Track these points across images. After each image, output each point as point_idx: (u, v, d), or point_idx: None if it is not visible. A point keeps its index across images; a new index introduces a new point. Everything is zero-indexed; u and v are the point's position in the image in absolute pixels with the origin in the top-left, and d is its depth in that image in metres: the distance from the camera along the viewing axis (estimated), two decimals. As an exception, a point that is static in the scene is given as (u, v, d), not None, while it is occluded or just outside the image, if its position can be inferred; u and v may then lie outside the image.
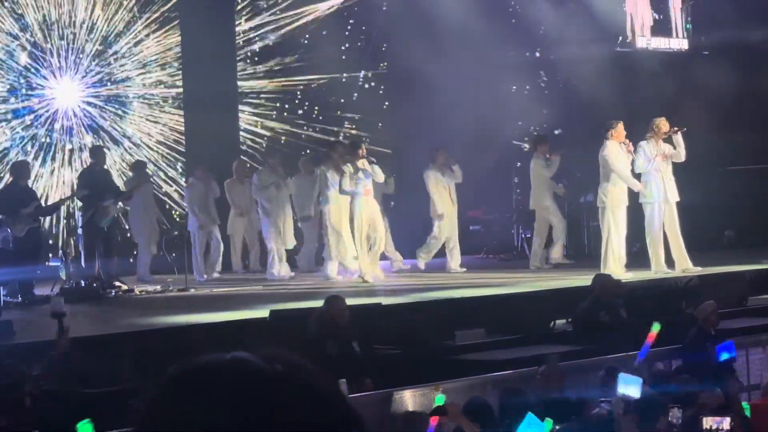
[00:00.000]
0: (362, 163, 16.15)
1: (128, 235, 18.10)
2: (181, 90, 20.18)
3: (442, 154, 17.40)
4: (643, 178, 15.97)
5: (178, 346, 11.01)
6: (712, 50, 21.55)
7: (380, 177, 16.27)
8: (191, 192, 17.99)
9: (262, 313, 12.07)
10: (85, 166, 17.77)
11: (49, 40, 19.43)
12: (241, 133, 20.67)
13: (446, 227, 17.35)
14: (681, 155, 15.97)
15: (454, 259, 17.40)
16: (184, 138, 20.09)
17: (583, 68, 20.63)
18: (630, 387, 7.22)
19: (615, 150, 15.72)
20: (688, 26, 22.23)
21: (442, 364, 11.14)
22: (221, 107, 19.65)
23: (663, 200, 15.90)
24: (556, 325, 12.95)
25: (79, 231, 16.32)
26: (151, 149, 20.21)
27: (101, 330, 11.49)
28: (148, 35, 20.10)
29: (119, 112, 20.05)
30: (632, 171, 15.91)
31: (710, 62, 20.97)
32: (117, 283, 15.82)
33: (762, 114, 20.00)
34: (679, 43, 22.54)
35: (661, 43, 22.40)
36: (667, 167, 15.96)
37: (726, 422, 7.06)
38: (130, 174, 17.98)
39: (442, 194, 17.34)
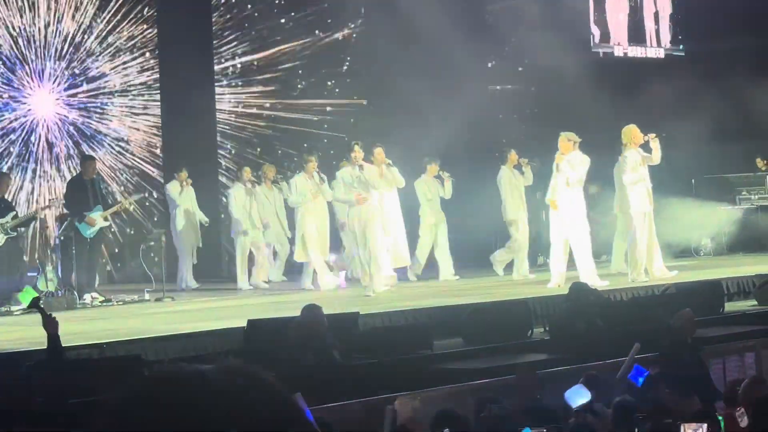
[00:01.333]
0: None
1: (116, 249, 18.02)
2: (158, 76, 20.19)
3: (514, 154, 17.71)
4: (631, 187, 16.06)
5: (149, 356, 11.01)
6: (690, 58, 21.68)
7: (400, 182, 16.46)
8: (234, 195, 17.88)
9: (240, 323, 12.06)
10: (72, 175, 17.74)
11: (16, 50, 19.36)
12: (220, 116, 20.69)
13: (522, 230, 17.58)
14: (656, 158, 16.08)
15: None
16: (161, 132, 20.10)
17: (559, 77, 20.71)
18: (578, 398, 7.23)
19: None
20: (677, 36, 22.38)
21: (419, 373, 11.14)
22: (198, 90, 19.71)
23: (647, 208, 16.04)
24: (534, 334, 12.98)
25: (56, 241, 16.27)
26: (132, 147, 20.17)
27: (74, 340, 11.43)
28: (118, 24, 20.05)
29: (98, 111, 20.01)
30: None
31: (687, 70, 21.09)
32: (95, 294, 15.78)
33: (738, 122, 20.09)
34: (655, 51, 22.68)
35: (637, 52, 22.54)
36: (647, 174, 16.08)
37: (703, 428, 7.09)
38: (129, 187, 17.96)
39: (514, 196, 17.59)
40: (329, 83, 21.87)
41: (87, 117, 19.97)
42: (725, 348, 12.31)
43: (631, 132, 16.13)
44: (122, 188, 20.05)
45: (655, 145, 16.03)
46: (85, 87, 19.90)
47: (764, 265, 17.02)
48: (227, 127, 21.22)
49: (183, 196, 17.57)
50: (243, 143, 21.37)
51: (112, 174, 20.01)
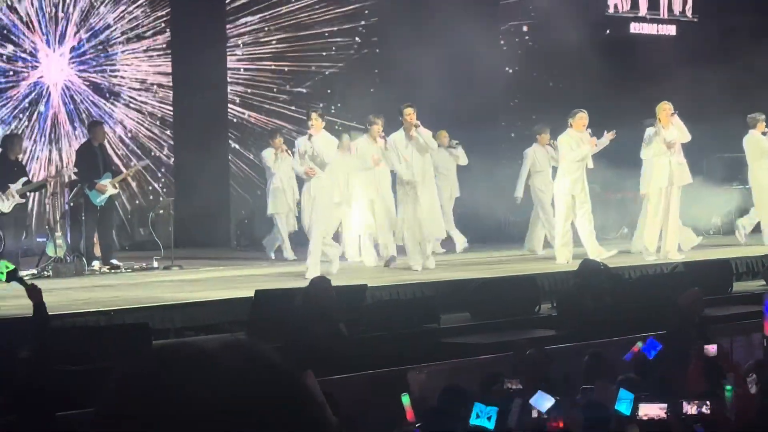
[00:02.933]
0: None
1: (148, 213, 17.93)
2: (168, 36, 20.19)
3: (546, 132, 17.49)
4: (647, 163, 16.07)
5: (156, 324, 11.03)
6: (703, 35, 21.60)
7: (432, 144, 15.32)
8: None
9: (248, 293, 12.07)
10: (82, 142, 17.72)
11: (29, 12, 19.31)
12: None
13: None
14: (683, 138, 16.05)
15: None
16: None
17: (570, 52, 20.65)
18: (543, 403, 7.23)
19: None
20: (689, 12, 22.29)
21: (426, 347, 11.15)
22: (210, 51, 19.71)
23: (667, 185, 16.01)
24: (541, 310, 12.97)
25: (66, 207, 16.28)
26: (143, 113, 20.17)
27: (82, 307, 11.46)
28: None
29: (108, 74, 19.99)
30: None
31: (699, 47, 21.01)
32: (114, 262, 15.82)
33: (752, 101, 19.99)
34: (666, 28, 22.63)
35: (650, 29, 22.49)
36: (675, 151, 16.01)
37: (707, 406, 7.09)
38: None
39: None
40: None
41: (97, 82, 19.94)
42: (733, 327, 12.28)
43: (659, 108, 16.11)
44: (130, 154, 20.03)
45: (677, 122, 16.02)
46: (95, 51, 19.86)
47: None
48: (237, 88, 21.19)
49: (278, 163, 17.30)
50: (254, 109, 21.33)
51: (123, 140, 19.99)
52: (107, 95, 20.01)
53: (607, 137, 15.93)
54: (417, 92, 19.10)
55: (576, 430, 6.76)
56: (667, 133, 15.96)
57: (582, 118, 15.85)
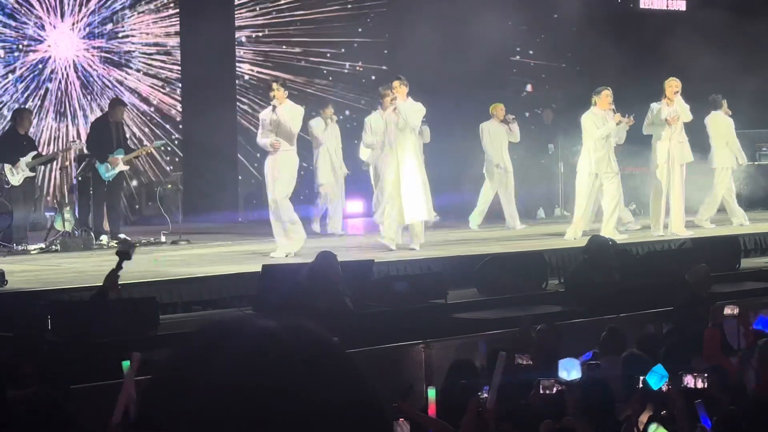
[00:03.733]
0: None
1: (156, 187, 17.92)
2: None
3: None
4: (653, 140, 16.03)
5: (163, 299, 11.04)
6: (710, 12, 21.49)
7: (412, 122, 14.42)
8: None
9: (255, 267, 12.07)
10: (98, 116, 17.71)
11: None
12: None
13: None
14: (684, 117, 16.01)
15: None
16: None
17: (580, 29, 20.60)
18: (570, 370, 7.21)
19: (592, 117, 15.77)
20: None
21: (433, 322, 11.16)
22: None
23: (670, 162, 15.95)
24: (548, 286, 12.97)
25: (74, 181, 16.28)
26: (153, 90, 20.15)
27: (90, 281, 11.47)
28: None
29: (118, 51, 19.96)
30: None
31: (706, 24, 20.92)
32: (122, 236, 15.82)
33: (758, 78, 19.93)
34: (676, 4, 22.56)
35: (660, 3, 22.42)
36: (676, 129, 15.97)
37: (701, 380, 7.10)
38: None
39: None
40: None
41: (108, 57, 19.92)
42: (740, 304, 12.26)
43: (666, 84, 16.05)
44: (142, 133, 20.02)
45: (679, 101, 15.96)
46: (102, 20, 19.82)
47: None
48: (246, 66, 21.18)
49: (327, 133, 17.23)
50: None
51: (131, 118, 19.97)
52: (118, 64, 19.99)
53: (625, 123, 15.77)
54: (421, 60, 19.11)
55: (571, 406, 6.76)
56: (668, 110, 15.91)
57: (607, 95, 15.67)
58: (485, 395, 6.72)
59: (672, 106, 15.92)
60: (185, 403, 1.44)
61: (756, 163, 20.27)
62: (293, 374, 1.44)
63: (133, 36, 20.15)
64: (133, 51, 20.16)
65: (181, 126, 20.33)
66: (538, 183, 20.00)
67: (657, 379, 7.00)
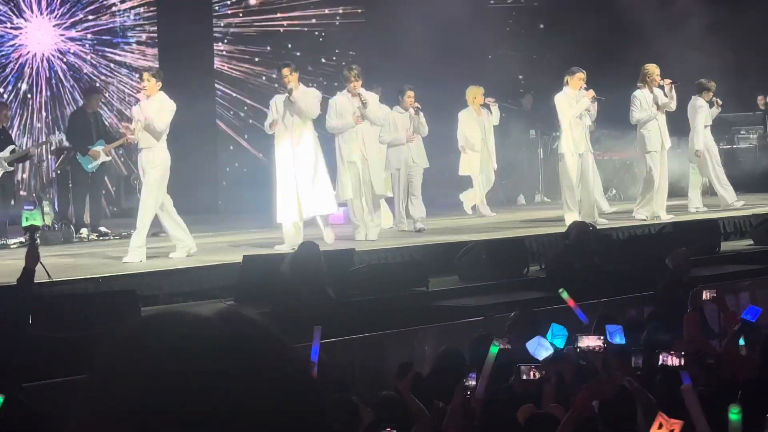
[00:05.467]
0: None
1: (134, 180, 17.79)
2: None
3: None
4: (643, 127, 16.00)
5: (144, 291, 11.01)
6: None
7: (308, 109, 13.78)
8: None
9: (236, 258, 12.06)
10: (75, 108, 17.61)
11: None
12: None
13: None
14: (672, 105, 16.05)
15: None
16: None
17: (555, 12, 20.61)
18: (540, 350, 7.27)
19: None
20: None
21: (415, 310, 11.17)
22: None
23: (661, 148, 16.00)
24: (530, 272, 12.99)
25: (53, 175, 16.22)
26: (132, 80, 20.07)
27: (70, 274, 11.44)
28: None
29: (96, 44, 19.87)
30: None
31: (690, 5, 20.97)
32: (103, 229, 15.78)
33: (737, 60, 19.98)
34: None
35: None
36: (662, 115, 16.01)
37: (678, 359, 7.16)
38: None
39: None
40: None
41: (85, 49, 19.83)
42: (719, 288, 12.30)
43: (649, 71, 16.04)
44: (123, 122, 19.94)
45: (670, 92, 15.99)
46: (82, 17, 19.73)
47: (761, 205, 17.03)
48: (224, 61, 21.12)
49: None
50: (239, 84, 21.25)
51: (112, 107, 19.89)
52: (95, 64, 19.90)
53: (588, 96, 15.69)
54: (400, 44, 19.10)
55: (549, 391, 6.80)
56: (661, 96, 15.94)
57: (580, 78, 15.65)
58: (471, 382, 6.74)
59: (654, 93, 15.95)
60: (119, 396, 1.44)
61: (734, 146, 20.32)
62: (229, 364, 1.44)
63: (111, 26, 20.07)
64: (109, 39, 20.06)
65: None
66: (518, 169, 20.02)
67: (560, 340, 7.10)
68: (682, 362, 7.06)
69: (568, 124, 15.60)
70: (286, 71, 13.64)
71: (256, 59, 21.18)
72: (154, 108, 12.72)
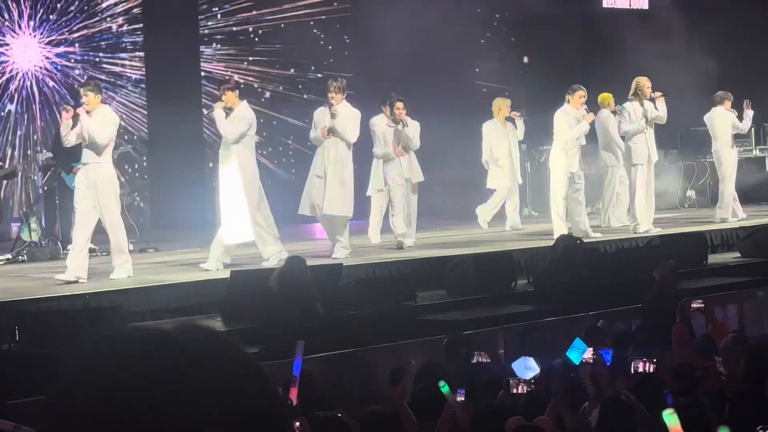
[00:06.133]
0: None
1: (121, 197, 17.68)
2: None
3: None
4: (630, 139, 16.04)
5: (132, 307, 11.00)
6: (675, 9, 21.63)
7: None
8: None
9: (223, 274, 12.05)
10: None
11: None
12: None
13: None
14: (663, 118, 16.11)
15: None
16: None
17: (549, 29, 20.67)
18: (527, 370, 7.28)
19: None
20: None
21: (403, 324, 11.16)
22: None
23: (648, 161, 16.03)
24: (518, 286, 13.00)
25: (40, 191, 16.19)
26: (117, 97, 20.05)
27: (57, 291, 11.43)
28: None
29: (81, 61, 19.84)
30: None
31: (671, 22, 21.06)
32: (90, 245, 15.71)
33: (725, 75, 20.04)
34: (639, 2, 22.72)
35: (623, 3, 22.58)
36: (650, 127, 16.07)
37: (649, 365, 7.19)
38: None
39: None
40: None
41: (71, 64, 19.80)
42: (707, 299, 12.34)
43: (640, 84, 16.10)
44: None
45: (661, 104, 16.05)
46: (67, 36, 19.71)
47: (749, 218, 17.08)
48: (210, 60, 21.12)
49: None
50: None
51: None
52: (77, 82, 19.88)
53: (587, 120, 15.72)
54: (384, 57, 19.12)
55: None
56: (651, 110, 15.98)
57: (581, 96, 15.65)
58: (461, 398, 6.77)
59: (644, 106, 16.01)
60: (78, 412, 1.45)
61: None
62: (186, 374, 1.45)
63: (96, 46, 20.05)
64: (97, 54, 20.04)
65: (147, 126, 20.16)
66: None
67: (578, 354, 7.10)
68: (652, 369, 7.08)
69: (564, 142, 15.58)
70: (223, 88, 13.38)
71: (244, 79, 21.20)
72: (96, 122, 12.40)
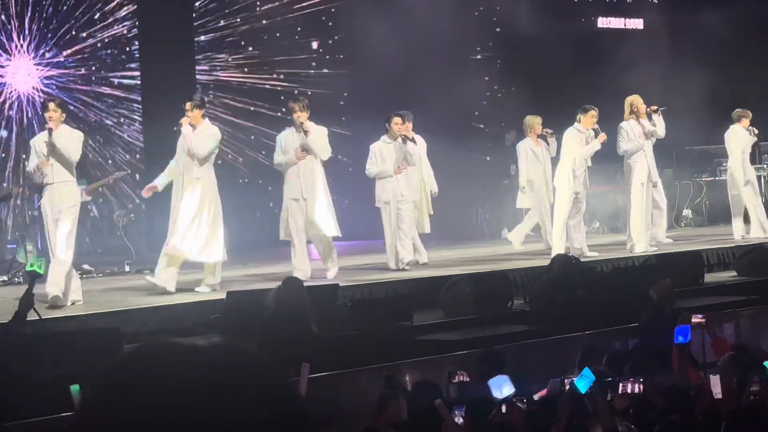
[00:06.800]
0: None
1: (118, 219, 17.65)
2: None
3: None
4: (630, 158, 16.04)
5: (128, 328, 10.98)
6: (670, 29, 21.72)
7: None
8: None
9: (219, 295, 12.04)
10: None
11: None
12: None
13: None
14: (660, 133, 16.15)
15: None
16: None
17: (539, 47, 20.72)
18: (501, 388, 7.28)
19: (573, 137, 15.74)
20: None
21: (399, 344, 11.15)
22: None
23: (648, 179, 16.05)
24: (514, 305, 12.99)
25: (36, 213, 16.16)
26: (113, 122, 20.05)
27: (53, 312, 11.41)
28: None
29: (77, 82, 19.84)
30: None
31: (666, 41, 21.13)
32: (86, 266, 15.73)
33: (719, 94, 20.08)
34: (633, 22, 22.81)
35: (617, 23, 22.67)
36: (649, 146, 16.10)
37: (637, 386, 7.19)
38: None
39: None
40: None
41: (67, 87, 19.80)
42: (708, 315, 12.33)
43: (633, 102, 16.13)
44: (105, 163, 19.91)
45: (658, 119, 16.09)
46: (63, 59, 19.71)
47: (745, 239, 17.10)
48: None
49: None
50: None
51: (95, 148, 19.84)
52: (77, 103, 19.88)
53: (599, 140, 15.69)
54: (381, 77, 19.15)
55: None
56: (648, 125, 16.04)
57: (593, 116, 15.64)
58: (460, 419, 6.78)
59: (641, 124, 16.05)
60: (112, 424, 1.44)
61: (716, 178, 20.40)
62: (221, 391, 1.44)
63: (92, 68, 20.06)
64: (95, 82, 20.05)
65: (143, 144, 20.12)
66: (501, 203, 20.02)
67: (585, 382, 7.08)
68: (640, 389, 7.08)
69: (572, 161, 15.57)
70: (188, 105, 13.08)
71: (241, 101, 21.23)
72: (65, 139, 12.10)
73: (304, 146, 13.65)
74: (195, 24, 20.59)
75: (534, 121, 16.99)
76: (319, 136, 13.76)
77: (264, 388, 1.49)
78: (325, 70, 21.46)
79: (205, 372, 1.46)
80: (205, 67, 20.94)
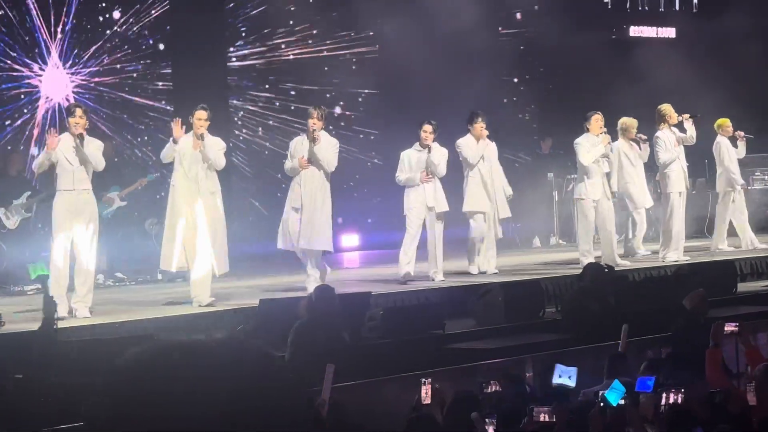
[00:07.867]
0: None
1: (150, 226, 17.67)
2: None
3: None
4: (667, 167, 15.98)
5: (164, 335, 11.02)
6: (703, 36, 21.66)
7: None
8: None
9: (252, 302, 12.08)
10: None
11: (28, 20, 19.18)
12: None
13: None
14: (692, 140, 16.10)
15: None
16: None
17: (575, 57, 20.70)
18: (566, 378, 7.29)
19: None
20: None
21: (431, 353, 11.16)
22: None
23: (684, 187, 16.04)
24: (546, 314, 12.98)
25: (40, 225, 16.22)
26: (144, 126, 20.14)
27: (89, 320, 11.48)
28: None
29: (109, 91, 19.95)
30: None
31: (700, 48, 21.07)
32: (119, 275, 15.81)
33: (753, 102, 20.00)
34: (666, 31, 22.76)
35: (650, 32, 22.63)
36: (682, 154, 16.08)
37: (680, 395, 7.18)
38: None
39: None
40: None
41: (99, 97, 19.90)
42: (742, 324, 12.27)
43: (665, 111, 16.08)
44: (137, 167, 19.98)
45: (690, 125, 16.05)
46: (97, 69, 19.81)
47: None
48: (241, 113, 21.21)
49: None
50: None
51: (128, 153, 19.92)
52: (108, 112, 19.98)
53: (603, 143, 15.59)
54: (406, 84, 19.16)
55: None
56: (679, 133, 16.03)
57: (597, 120, 15.51)
58: (491, 429, 6.79)
59: (674, 131, 16.05)
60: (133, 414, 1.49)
61: (750, 187, 20.29)
62: (222, 379, 1.50)
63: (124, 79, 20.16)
64: (125, 89, 20.15)
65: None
66: (534, 212, 19.98)
67: (616, 395, 7.06)
68: (681, 399, 7.06)
69: (584, 169, 15.55)
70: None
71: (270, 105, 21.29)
72: (92, 146, 12.16)
73: (310, 154, 13.53)
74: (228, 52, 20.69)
75: (630, 124, 16.63)
76: (327, 147, 13.60)
77: (268, 376, 1.53)
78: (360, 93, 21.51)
79: (217, 363, 1.51)
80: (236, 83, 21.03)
